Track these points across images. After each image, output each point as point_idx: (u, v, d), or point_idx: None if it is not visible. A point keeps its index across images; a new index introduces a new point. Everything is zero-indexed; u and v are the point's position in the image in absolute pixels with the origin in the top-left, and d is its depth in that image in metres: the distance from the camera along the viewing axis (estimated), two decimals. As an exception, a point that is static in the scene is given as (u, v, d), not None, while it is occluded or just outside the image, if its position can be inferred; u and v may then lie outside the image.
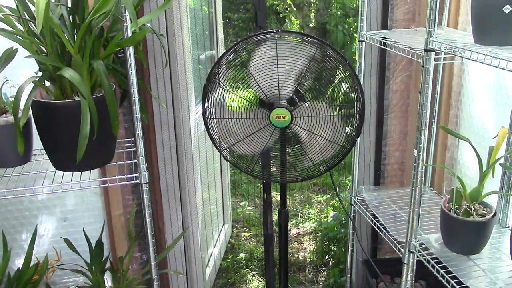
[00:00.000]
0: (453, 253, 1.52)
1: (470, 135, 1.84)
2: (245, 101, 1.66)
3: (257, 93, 1.61)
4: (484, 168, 1.47)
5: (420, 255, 1.60)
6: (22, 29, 1.46)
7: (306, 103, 1.61)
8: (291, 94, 1.61)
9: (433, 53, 1.45)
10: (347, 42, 5.81)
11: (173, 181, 2.21)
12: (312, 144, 1.67)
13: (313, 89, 1.64)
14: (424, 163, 1.55)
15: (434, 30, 1.42)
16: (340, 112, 1.63)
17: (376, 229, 1.91)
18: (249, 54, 1.62)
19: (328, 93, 1.64)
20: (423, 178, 1.57)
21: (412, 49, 1.57)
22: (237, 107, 1.68)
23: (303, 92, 1.63)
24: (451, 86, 1.98)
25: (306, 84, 1.63)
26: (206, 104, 1.67)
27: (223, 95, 1.65)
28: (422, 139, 1.53)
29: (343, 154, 1.69)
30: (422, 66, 1.47)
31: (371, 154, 2.35)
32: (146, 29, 1.48)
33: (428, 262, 1.54)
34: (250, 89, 1.64)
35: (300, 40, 1.64)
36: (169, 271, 2.30)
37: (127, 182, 1.63)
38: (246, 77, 1.62)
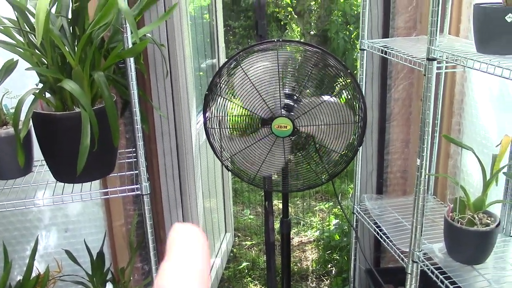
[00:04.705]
0: (457, 263, 1.51)
1: (473, 143, 1.83)
2: (247, 110, 1.66)
3: (257, 106, 1.61)
4: (488, 176, 1.46)
5: (424, 265, 1.59)
6: (23, 41, 1.46)
7: (307, 112, 1.61)
8: (292, 103, 1.61)
9: (435, 62, 1.44)
10: (348, 49, 5.82)
11: (175, 191, 2.20)
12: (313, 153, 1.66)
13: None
14: (427, 172, 1.54)
15: (435, 38, 1.42)
16: (342, 120, 1.62)
17: (379, 238, 1.89)
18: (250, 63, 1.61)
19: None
20: (426, 187, 1.56)
21: (414, 57, 1.57)
22: (239, 116, 1.68)
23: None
24: (453, 94, 1.98)
25: (308, 92, 1.62)
26: (207, 114, 1.67)
27: (224, 105, 1.65)
28: (425, 147, 1.52)
29: (346, 162, 1.68)
30: (424, 75, 1.46)
31: (374, 163, 2.34)
32: (146, 40, 1.48)
33: (432, 272, 1.53)
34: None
35: (301, 49, 1.64)
36: (171, 281, 2.28)
37: (128, 193, 1.62)
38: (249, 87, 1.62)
